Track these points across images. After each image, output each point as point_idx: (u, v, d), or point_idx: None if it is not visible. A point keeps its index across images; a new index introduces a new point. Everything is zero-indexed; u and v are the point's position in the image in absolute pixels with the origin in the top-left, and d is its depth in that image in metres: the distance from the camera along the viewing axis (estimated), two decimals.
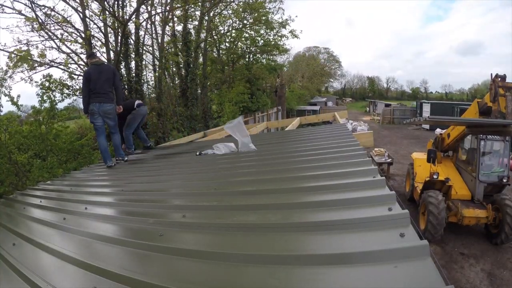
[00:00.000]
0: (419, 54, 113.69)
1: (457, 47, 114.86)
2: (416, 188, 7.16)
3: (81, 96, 4.95)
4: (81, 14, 7.95)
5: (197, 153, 3.93)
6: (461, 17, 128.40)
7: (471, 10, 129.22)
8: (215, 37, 16.18)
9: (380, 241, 1.14)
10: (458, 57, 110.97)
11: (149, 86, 11.99)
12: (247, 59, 18.86)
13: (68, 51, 8.15)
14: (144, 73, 10.73)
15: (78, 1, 7.80)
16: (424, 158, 6.94)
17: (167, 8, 10.09)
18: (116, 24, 7.54)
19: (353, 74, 70.28)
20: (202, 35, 13.54)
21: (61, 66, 7.97)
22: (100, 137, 4.69)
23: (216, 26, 15.71)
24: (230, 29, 16.47)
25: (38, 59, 7.73)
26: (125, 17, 8.02)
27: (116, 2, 8.11)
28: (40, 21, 7.56)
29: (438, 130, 16.71)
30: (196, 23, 13.01)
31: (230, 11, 15.35)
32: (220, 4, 13.24)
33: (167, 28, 11.67)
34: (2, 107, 6.03)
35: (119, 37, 7.39)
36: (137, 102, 5.64)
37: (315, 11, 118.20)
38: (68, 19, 8.08)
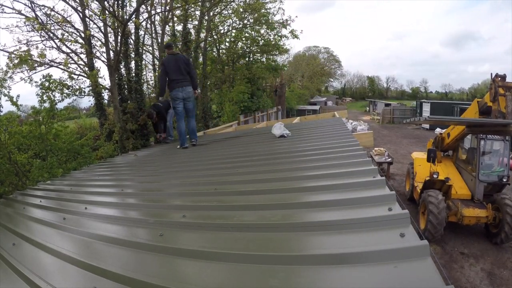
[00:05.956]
0: (418, 52, 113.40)
1: (457, 43, 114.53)
2: (416, 187, 7.16)
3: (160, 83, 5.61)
4: (81, 14, 7.93)
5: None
6: (461, 12, 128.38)
7: (472, 3, 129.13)
8: (215, 36, 16.15)
9: (380, 241, 1.14)
10: (458, 54, 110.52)
11: (149, 86, 12.00)
12: (247, 59, 18.85)
13: (68, 51, 8.14)
14: (144, 73, 10.73)
15: (78, 1, 7.78)
16: (424, 157, 6.94)
17: (167, 8, 10.08)
18: (116, 24, 7.51)
19: (353, 74, 70.25)
20: (202, 35, 13.52)
21: (61, 66, 7.96)
22: (180, 121, 5.30)
23: (216, 25, 15.68)
24: (230, 28, 16.47)
25: (38, 59, 7.72)
26: (125, 17, 8.00)
27: (116, 2, 8.09)
28: (40, 21, 7.55)
29: (438, 130, 16.71)
30: (196, 22, 13.00)
31: (230, 11, 15.34)
32: (220, 4, 13.21)
33: (167, 27, 11.65)
34: (2, 107, 6.03)
35: (119, 37, 7.36)
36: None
37: (314, 8, 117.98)
38: (68, 19, 8.07)
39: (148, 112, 6.94)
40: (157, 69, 11.15)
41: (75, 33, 8.33)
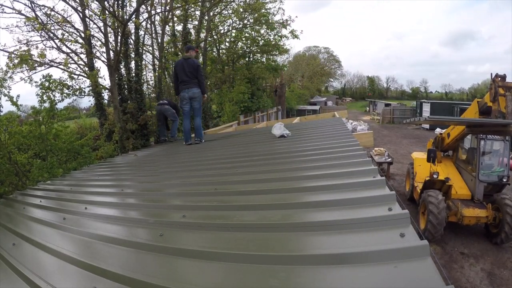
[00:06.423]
0: (418, 52, 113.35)
1: (457, 43, 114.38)
2: (416, 187, 7.16)
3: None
4: (81, 14, 7.92)
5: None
6: (461, 11, 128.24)
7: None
8: (215, 36, 16.14)
9: (380, 241, 1.14)
10: (458, 54, 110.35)
11: (149, 86, 11.97)
12: (247, 59, 18.84)
13: (68, 51, 8.13)
14: (144, 73, 10.71)
15: (78, 1, 7.78)
16: (424, 157, 6.94)
17: (167, 8, 10.08)
18: (116, 24, 7.51)
19: (353, 74, 70.25)
20: (202, 35, 13.52)
21: (61, 66, 7.96)
22: (185, 120, 5.69)
23: (216, 25, 15.67)
24: (230, 28, 16.46)
25: (38, 59, 7.72)
26: (125, 17, 8.00)
27: (116, 2, 8.09)
28: (40, 21, 7.55)
29: (438, 130, 16.72)
30: (196, 22, 13.00)
31: (230, 11, 15.33)
32: (220, 4, 13.21)
33: (167, 28, 11.64)
34: (2, 107, 6.02)
35: (119, 37, 7.35)
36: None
37: (310, 8, 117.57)
38: (68, 19, 8.05)
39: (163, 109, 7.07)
40: (157, 69, 11.16)
41: (75, 33, 8.32)
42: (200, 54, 13.86)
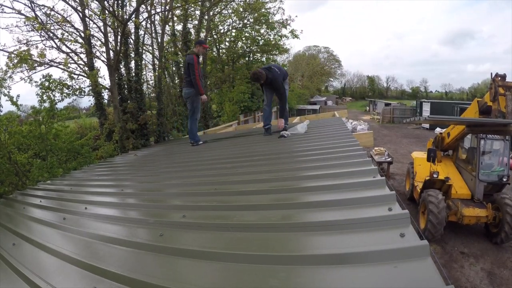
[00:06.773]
0: (418, 51, 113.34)
1: (457, 43, 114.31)
2: (416, 187, 7.16)
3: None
4: (80, 14, 7.92)
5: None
6: (461, 11, 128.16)
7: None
8: (215, 36, 16.14)
9: (380, 241, 1.14)
10: (458, 53, 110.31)
11: (149, 86, 11.96)
12: (247, 59, 18.81)
13: (68, 50, 8.12)
14: (144, 72, 10.68)
15: (78, 1, 7.77)
16: (424, 157, 6.94)
17: (167, 7, 10.07)
18: (116, 24, 7.51)
19: (352, 73, 70.22)
20: (202, 35, 13.51)
21: (61, 66, 7.96)
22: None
23: (216, 25, 15.67)
24: (230, 28, 16.46)
25: (38, 59, 7.71)
26: (125, 16, 7.99)
27: (116, 2, 8.08)
28: (40, 20, 7.54)
29: (438, 129, 16.71)
30: (196, 22, 12.99)
31: (230, 11, 15.33)
32: (220, 3, 13.21)
33: (167, 27, 11.62)
34: (2, 107, 6.03)
35: (119, 37, 7.36)
36: None
37: (306, 8, 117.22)
38: (68, 18, 8.05)
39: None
40: (157, 69, 11.16)
41: (75, 33, 8.31)
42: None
